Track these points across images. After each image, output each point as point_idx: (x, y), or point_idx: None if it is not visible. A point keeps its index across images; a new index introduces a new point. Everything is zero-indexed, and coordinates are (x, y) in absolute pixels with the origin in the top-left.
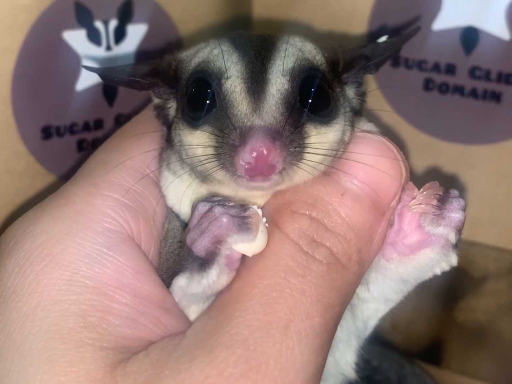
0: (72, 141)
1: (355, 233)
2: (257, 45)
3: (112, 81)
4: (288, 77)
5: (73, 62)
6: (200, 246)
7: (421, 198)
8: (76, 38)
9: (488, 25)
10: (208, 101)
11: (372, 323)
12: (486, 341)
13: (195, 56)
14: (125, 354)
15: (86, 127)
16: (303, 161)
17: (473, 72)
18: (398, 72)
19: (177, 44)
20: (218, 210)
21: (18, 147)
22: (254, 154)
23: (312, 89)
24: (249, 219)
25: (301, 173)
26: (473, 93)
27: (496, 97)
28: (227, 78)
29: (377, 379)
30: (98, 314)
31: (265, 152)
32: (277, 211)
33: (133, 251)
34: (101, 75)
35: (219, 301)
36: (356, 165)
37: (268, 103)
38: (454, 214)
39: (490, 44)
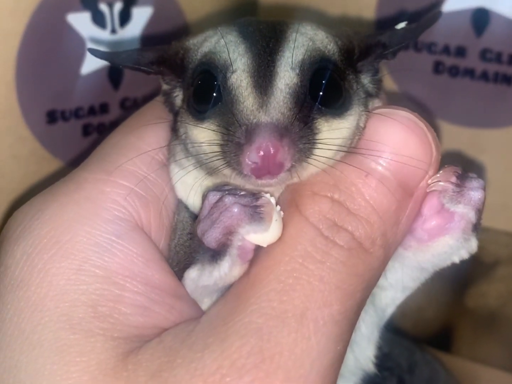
0: (77, 126)
1: (379, 215)
2: (265, 35)
3: (118, 65)
4: (297, 70)
5: (77, 45)
6: (211, 237)
7: (439, 175)
8: (80, 21)
9: (499, 6)
10: (214, 94)
11: (389, 311)
12: (497, 327)
13: (202, 46)
14: (137, 343)
15: (92, 111)
16: (314, 156)
17: (484, 55)
18: (407, 55)
19: (182, 28)
20: (228, 199)
21: (23, 132)
22: (261, 153)
23: (323, 82)
24: (262, 208)
25: (312, 169)
26: (484, 76)
27: (507, 79)
28: (233, 72)
29: (388, 366)
30: (109, 303)
31: (272, 150)
32: (297, 192)
33: (143, 240)
34: (107, 60)
35: (236, 285)
36: (381, 143)
37: (275, 98)
38: (474, 192)
39: (501, 25)
